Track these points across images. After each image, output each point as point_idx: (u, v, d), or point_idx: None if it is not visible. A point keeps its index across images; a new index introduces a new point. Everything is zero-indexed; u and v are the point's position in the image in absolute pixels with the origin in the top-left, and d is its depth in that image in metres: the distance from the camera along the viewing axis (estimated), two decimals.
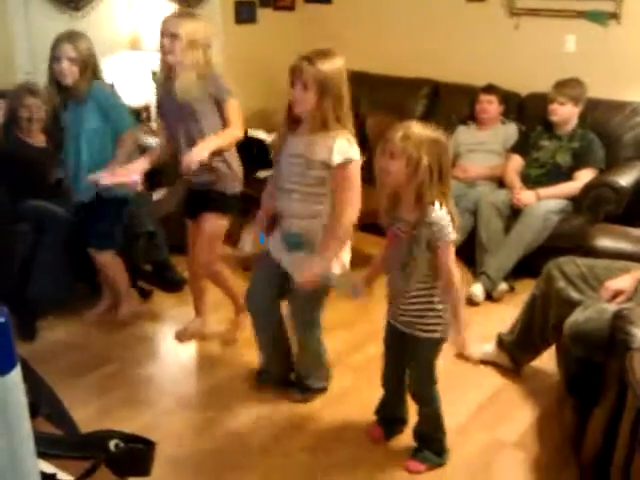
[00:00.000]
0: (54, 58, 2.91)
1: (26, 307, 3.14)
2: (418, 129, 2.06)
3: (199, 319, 3.25)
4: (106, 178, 2.80)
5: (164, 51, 2.73)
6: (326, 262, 2.35)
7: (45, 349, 3.07)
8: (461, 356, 2.87)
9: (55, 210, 3.19)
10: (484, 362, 2.99)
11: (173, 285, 3.69)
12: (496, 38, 4.66)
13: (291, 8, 5.55)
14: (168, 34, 2.71)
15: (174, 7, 4.63)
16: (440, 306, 2.18)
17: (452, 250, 2.12)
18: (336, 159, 2.29)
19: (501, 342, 2.93)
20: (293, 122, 2.40)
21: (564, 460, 2.38)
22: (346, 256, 2.50)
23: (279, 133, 2.50)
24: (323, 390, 2.75)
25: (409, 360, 2.32)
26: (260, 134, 4.37)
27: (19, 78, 3.81)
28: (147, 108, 4.65)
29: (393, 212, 2.18)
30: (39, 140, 3.43)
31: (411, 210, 2.10)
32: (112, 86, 3.14)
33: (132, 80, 4.38)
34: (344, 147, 2.29)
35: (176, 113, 2.80)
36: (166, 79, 2.81)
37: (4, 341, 0.68)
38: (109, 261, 3.22)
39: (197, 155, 2.60)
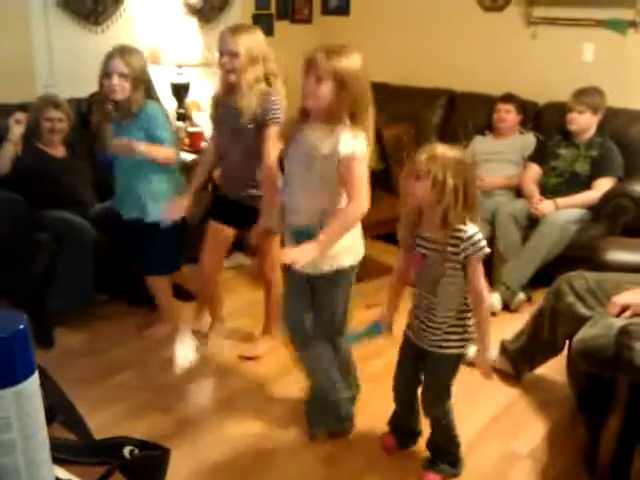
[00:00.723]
0: (104, 74, 2.89)
1: (45, 316, 3.17)
2: (443, 150, 2.06)
3: (218, 324, 3.26)
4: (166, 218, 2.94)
5: (225, 70, 2.72)
6: (318, 247, 2.19)
7: (62, 356, 3.10)
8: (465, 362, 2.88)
9: (75, 220, 3.22)
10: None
11: (189, 295, 3.72)
12: (514, 47, 4.65)
13: (308, 21, 5.59)
14: (227, 52, 2.69)
15: (193, 21, 4.69)
16: (470, 322, 2.18)
17: (482, 272, 2.12)
18: (339, 154, 2.16)
19: (504, 350, 2.93)
20: (303, 116, 2.27)
21: (577, 473, 2.35)
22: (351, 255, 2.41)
23: (288, 126, 2.41)
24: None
25: (428, 376, 2.30)
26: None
27: (39, 91, 3.87)
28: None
29: (415, 230, 2.18)
30: (60, 151, 3.48)
31: (437, 230, 2.10)
32: (163, 108, 3.11)
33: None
34: (348, 142, 2.15)
35: (233, 130, 2.80)
36: (225, 95, 2.80)
37: (23, 348, 0.69)
38: (161, 286, 3.25)
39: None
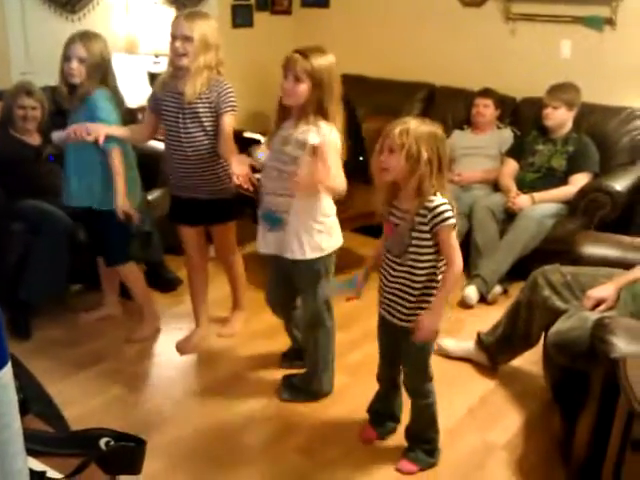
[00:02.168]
0: (64, 57, 2.88)
1: (20, 306, 3.14)
2: (416, 124, 2.09)
3: (200, 330, 3.21)
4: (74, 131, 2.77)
5: (176, 53, 2.70)
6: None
7: (39, 347, 3.07)
8: (440, 353, 2.97)
9: (50, 209, 3.19)
10: (461, 359, 3.03)
11: (168, 285, 3.70)
12: (492, 43, 4.68)
13: (288, 12, 5.56)
14: (180, 36, 2.68)
15: (171, 10, 4.64)
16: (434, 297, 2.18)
17: (454, 234, 2.12)
18: (313, 139, 2.36)
19: (480, 342, 2.96)
20: (284, 113, 2.49)
21: (553, 463, 2.39)
22: (329, 239, 2.54)
23: (273, 125, 2.56)
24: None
25: (404, 354, 2.31)
26: (256, 136, 4.38)
27: (15, 79, 3.81)
28: (142, 109, 4.65)
29: (390, 203, 2.20)
30: (35, 139, 3.43)
31: (410, 200, 2.12)
32: (118, 95, 3.04)
33: (128, 83, 4.38)
34: (325, 130, 2.37)
35: (177, 113, 2.78)
36: (172, 78, 2.78)
37: None
38: (133, 272, 3.21)
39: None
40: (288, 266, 2.56)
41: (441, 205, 2.09)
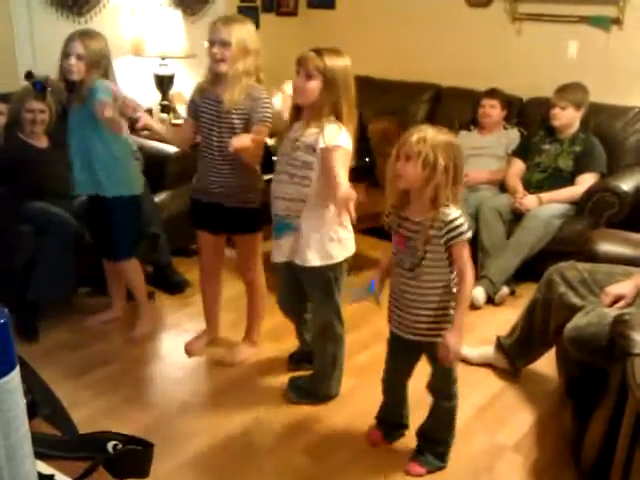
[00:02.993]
0: (64, 54, 2.89)
1: (27, 308, 3.15)
2: (433, 132, 2.07)
3: (210, 333, 3.20)
4: (109, 106, 2.74)
5: (215, 59, 2.64)
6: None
7: (47, 350, 3.07)
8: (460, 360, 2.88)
9: (57, 211, 3.20)
10: (482, 365, 3.00)
11: (176, 287, 3.71)
12: (498, 43, 4.67)
13: (294, 14, 5.57)
14: (219, 42, 2.62)
15: (177, 13, 4.66)
16: (452, 312, 2.16)
17: (467, 248, 2.11)
18: (322, 144, 2.31)
19: (500, 345, 2.94)
20: (297, 114, 2.46)
21: (563, 464, 2.38)
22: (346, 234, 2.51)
23: (286, 123, 2.54)
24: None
25: (432, 362, 2.28)
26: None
27: (21, 82, 3.82)
28: (149, 112, 4.67)
29: (400, 213, 2.17)
30: (42, 142, 3.45)
31: (425, 211, 2.09)
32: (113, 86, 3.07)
33: (135, 85, 4.40)
34: (333, 133, 2.31)
35: (212, 121, 2.73)
36: (211, 84, 2.73)
37: (4, 343, 0.68)
38: (134, 268, 3.22)
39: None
40: (298, 272, 2.55)
41: (457, 219, 2.07)
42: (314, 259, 2.46)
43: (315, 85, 2.33)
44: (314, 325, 2.70)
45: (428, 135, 2.05)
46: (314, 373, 2.77)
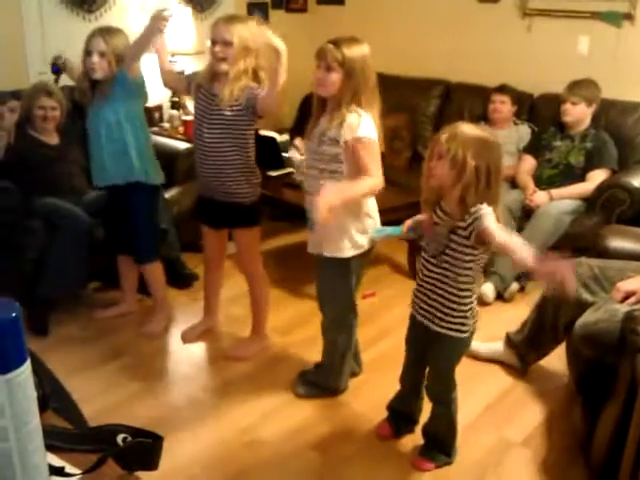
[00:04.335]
0: (86, 52, 2.91)
1: (38, 303, 3.17)
2: (465, 129, 2.01)
3: (207, 320, 3.24)
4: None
5: (216, 58, 2.66)
6: (334, 194, 2.25)
7: (57, 344, 3.09)
8: (469, 354, 2.87)
9: (68, 207, 3.21)
10: (491, 361, 2.99)
11: (185, 281, 3.73)
12: (508, 39, 4.65)
13: (303, 10, 5.57)
14: (220, 40, 2.64)
15: (187, 10, 4.66)
16: (468, 307, 2.13)
17: (497, 228, 1.95)
18: (345, 137, 2.33)
19: (510, 341, 2.93)
20: (320, 107, 2.46)
21: (572, 460, 2.38)
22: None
23: (311, 120, 2.53)
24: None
25: (432, 359, 2.29)
26: (271, 134, 4.39)
27: (31, 78, 3.85)
28: (159, 108, 4.69)
29: (436, 203, 2.13)
30: (53, 139, 3.46)
31: (453, 208, 2.04)
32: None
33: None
34: (353, 125, 2.33)
35: (203, 115, 2.75)
36: (210, 79, 2.74)
37: (15, 336, 0.69)
38: (158, 270, 3.26)
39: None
40: (322, 261, 2.54)
41: (480, 208, 1.96)
42: (336, 249, 2.47)
43: (336, 77, 2.33)
44: (327, 315, 2.67)
45: (459, 132, 1.98)
46: (322, 366, 2.77)
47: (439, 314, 2.16)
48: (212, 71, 2.73)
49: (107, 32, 2.93)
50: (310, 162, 2.51)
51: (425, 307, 2.20)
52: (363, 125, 2.34)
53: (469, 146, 1.95)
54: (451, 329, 2.15)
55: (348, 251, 2.47)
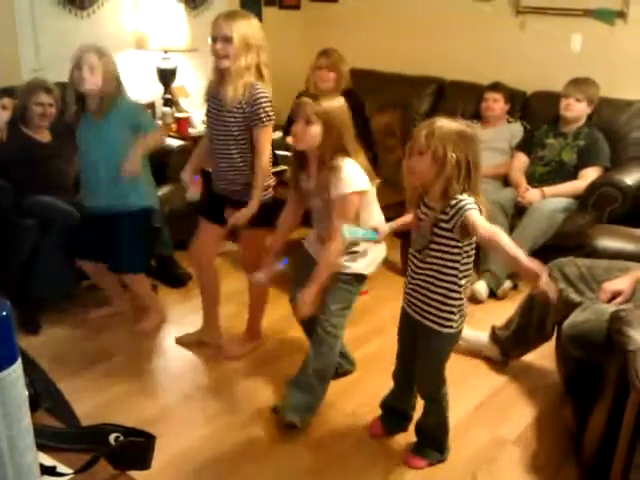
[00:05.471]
0: (76, 65, 2.88)
1: (29, 301, 3.16)
2: (443, 123, 2.03)
3: (204, 332, 3.16)
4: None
5: (217, 55, 2.63)
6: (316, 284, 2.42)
7: (49, 343, 3.09)
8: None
9: (60, 205, 3.20)
10: (473, 352, 3.02)
11: (178, 280, 3.72)
12: (502, 37, 4.66)
13: (297, 7, 5.56)
14: (221, 37, 2.60)
15: (180, 6, 4.65)
16: (455, 302, 2.13)
17: (482, 220, 1.97)
18: (337, 193, 2.35)
19: (494, 335, 2.95)
20: (300, 162, 2.50)
21: (563, 458, 2.39)
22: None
23: (290, 176, 2.58)
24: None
25: (420, 355, 2.28)
26: None
27: (25, 75, 3.83)
28: (152, 105, 4.67)
29: (419, 201, 2.15)
30: (45, 137, 3.45)
31: (437, 201, 2.06)
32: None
33: (137, 79, 4.40)
34: (339, 183, 2.35)
35: (214, 119, 2.73)
36: (218, 82, 2.71)
37: (5, 335, 0.69)
38: (142, 281, 3.25)
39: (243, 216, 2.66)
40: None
41: (462, 200, 1.99)
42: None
43: (315, 130, 2.35)
44: (319, 323, 2.56)
45: (437, 128, 2.01)
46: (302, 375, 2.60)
47: (426, 307, 2.17)
48: (217, 71, 2.70)
49: (99, 49, 2.93)
50: (315, 223, 2.56)
51: (414, 301, 2.21)
52: (349, 180, 2.35)
53: (448, 140, 1.98)
54: (437, 323, 2.15)
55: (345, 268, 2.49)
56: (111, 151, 2.96)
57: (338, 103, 2.42)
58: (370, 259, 2.53)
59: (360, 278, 2.53)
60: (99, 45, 3.00)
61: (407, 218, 2.30)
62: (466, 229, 1.99)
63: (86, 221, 3.15)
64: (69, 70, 2.91)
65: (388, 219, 2.42)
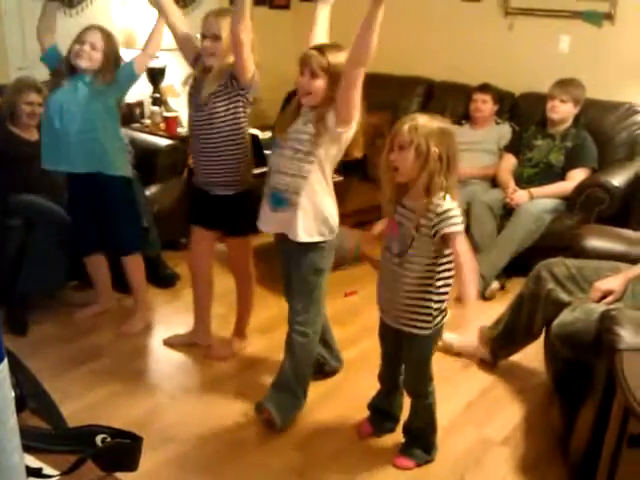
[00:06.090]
0: (78, 40, 2.88)
1: (17, 302, 3.14)
2: (425, 119, 2.06)
3: (195, 334, 3.14)
4: None
5: (206, 53, 2.63)
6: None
7: (36, 343, 3.06)
8: (443, 348, 2.94)
9: (47, 204, 3.18)
10: (462, 352, 3.03)
11: (166, 281, 3.70)
12: (491, 38, 4.67)
13: (286, 7, 5.55)
14: (211, 35, 2.60)
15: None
16: (435, 305, 2.13)
17: (463, 239, 2.04)
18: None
19: (483, 336, 2.96)
20: (299, 109, 2.43)
21: (551, 458, 2.40)
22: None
23: (285, 116, 2.49)
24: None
25: (405, 355, 2.29)
26: (253, 131, 4.37)
27: (12, 74, 3.80)
28: (140, 104, 4.65)
29: (398, 201, 2.15)
30: (33, 135, 3.42)
31: (419, 198, 2.06)
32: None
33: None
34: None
35: (196, 110, 2.71)
36: (202, 78, 2.69)
37: None
38: (138, 263, 3.23)
39: None
40: (293, 252, 2.45)
41: (450, 210, 2.02)
42: (311, 234, 2.39)
43: (320, 83, 2.31)
44: (296, 311, 2.53)
45: (420, 123, 2.04)
46: (281, 381, 2.57)
47: (406, 315, 2.16)
48: (204, 67, 2.69)
49: (106, 31, 2.95)
50: (286, 143, 2.40)
51: (391, 310, 2.21)
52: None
53: (431, 135, 2.02)
54: (417, 327, 2.15)
55: (323, 236, 2.43)
56: (93, 114, 2.92)
57: (344, 58, 2.32)
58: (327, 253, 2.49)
59: (320, 272, 2.47)
60: (107, 28, 3.02)
61: (381, 225, 2.30)
62: (446, 242, 2.03)
63: (74, 213, 3.16)
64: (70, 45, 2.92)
65: (378, 218, 2.41)
